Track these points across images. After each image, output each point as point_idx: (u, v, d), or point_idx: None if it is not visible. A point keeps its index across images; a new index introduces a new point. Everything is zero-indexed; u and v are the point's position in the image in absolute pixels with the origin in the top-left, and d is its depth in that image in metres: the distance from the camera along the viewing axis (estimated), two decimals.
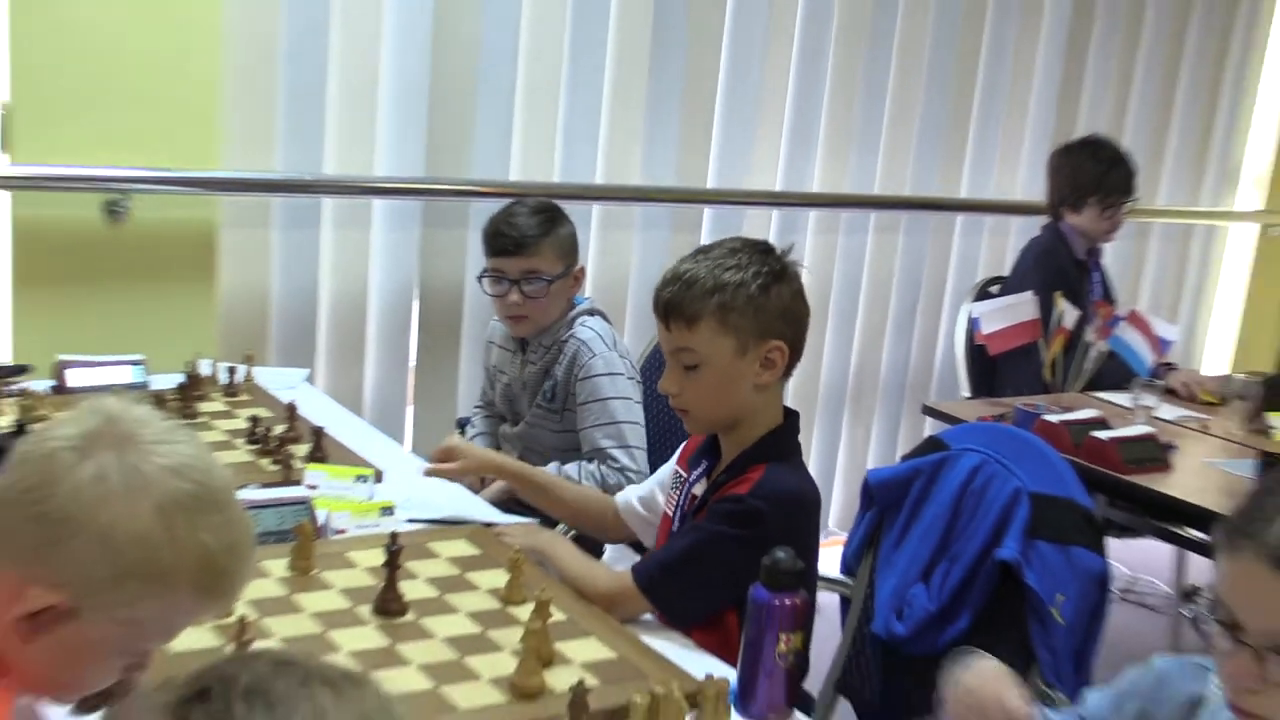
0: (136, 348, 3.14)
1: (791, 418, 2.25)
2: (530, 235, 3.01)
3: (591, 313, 3.12)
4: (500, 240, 3.03)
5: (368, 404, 3.84)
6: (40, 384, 2.93)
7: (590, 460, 2.96)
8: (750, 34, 4.27)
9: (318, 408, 3.05)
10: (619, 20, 4.02)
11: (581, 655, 1.93)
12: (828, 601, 2.85)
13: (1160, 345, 3.79)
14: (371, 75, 3.68)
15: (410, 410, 3.94)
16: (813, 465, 4.53)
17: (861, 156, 4.60)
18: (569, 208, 3.85)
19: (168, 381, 2.99)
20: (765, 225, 4.49)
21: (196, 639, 1.86)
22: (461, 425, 3.51)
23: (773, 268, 2.18)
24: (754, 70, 4.30)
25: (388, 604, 2.01)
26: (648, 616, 2.14)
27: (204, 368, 3.07)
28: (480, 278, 3.10)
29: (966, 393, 4.18)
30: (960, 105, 4.79)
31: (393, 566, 2.01)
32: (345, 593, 2.06)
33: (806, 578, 1.90)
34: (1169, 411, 3.73)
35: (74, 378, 2.94)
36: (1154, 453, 3.27)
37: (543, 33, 3.90)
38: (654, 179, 4.19)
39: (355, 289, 3.79)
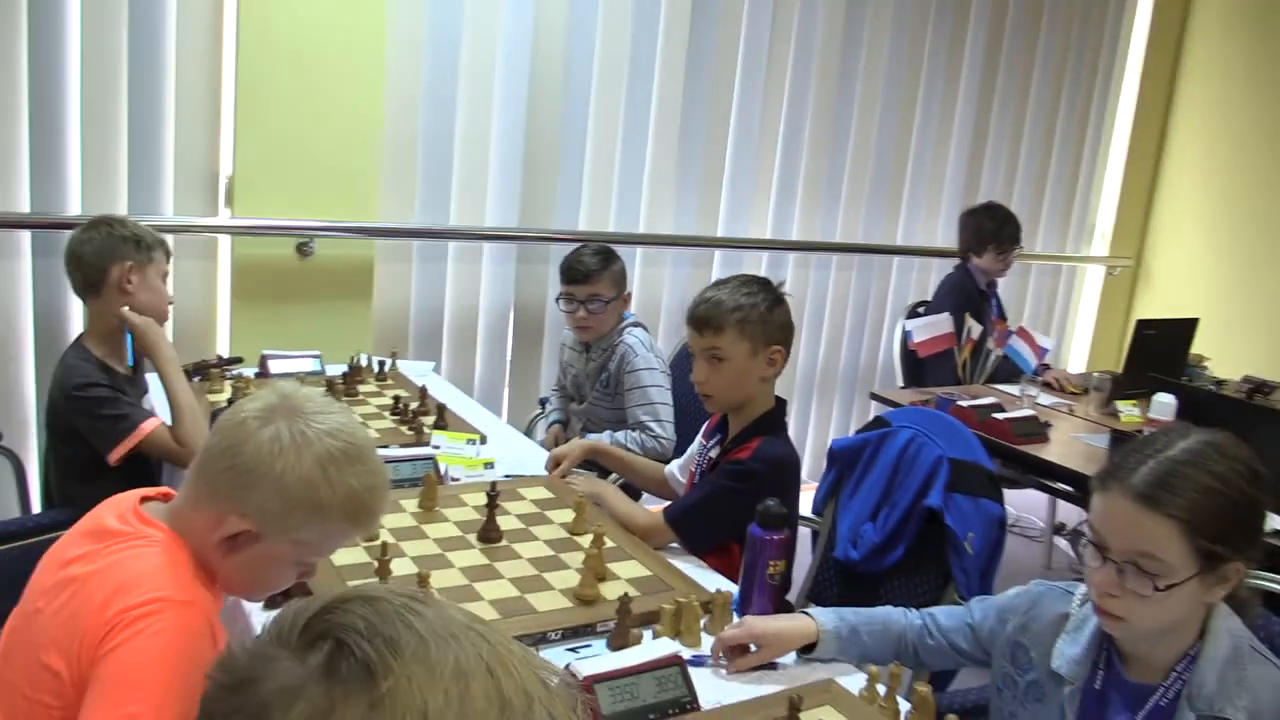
0: (316, 345, 3.10)
1: (781, 403, 2.17)
2: (593, 269, 2.94)
3: (636, 324, 3.05)
4: (572, 272, 2.96)
5: (476, 387, 3.78)
6: (249, 370, 2.90)
7: (633, 429, 2.89)
8: (750, 117, 4.18)
9: (442, 390, 3.00)
10: (658, 111, 3.94)
11: (626, 573, 1.87)
12: (803, 535, 2.78)
13: (1040, 351, 3.68)
14: (484, 152, 3.62)
15: (506, 391, 3.87)
16: (792, 433, 4.44)
17: (827, 213, 4.50)
18: (620, 249, 3.80)
19: (337, 370, 2.95)
20: (758, 263, 4.40)
21: (354, 556, 1.81)
22: (542, 402, 3.44)
23: (773, 295, 2.12)
24: (752, 145, 4.21)
25: (488, 533, 1.95)
26: (675, 546, 2.07)
27: (362, 360, 3.02)
28: (557, 299, 3.04)
29: (900, 383, 4.09)
30: (896, 177, 4.67)
31: (491, 506, 1.96)
32: (458, 524, 2.01)
33: (789, 521, 1.82)
34: (1046, 399, 3.62)
35: (273, 366, 2.90)
36: (1035, 429, 3.17)
37: (603, 121, 3.83)
38: (680, 228, 4.10)
39: (469, 305, 3.73)
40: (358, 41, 3.23)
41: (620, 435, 2.89)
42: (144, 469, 2.21)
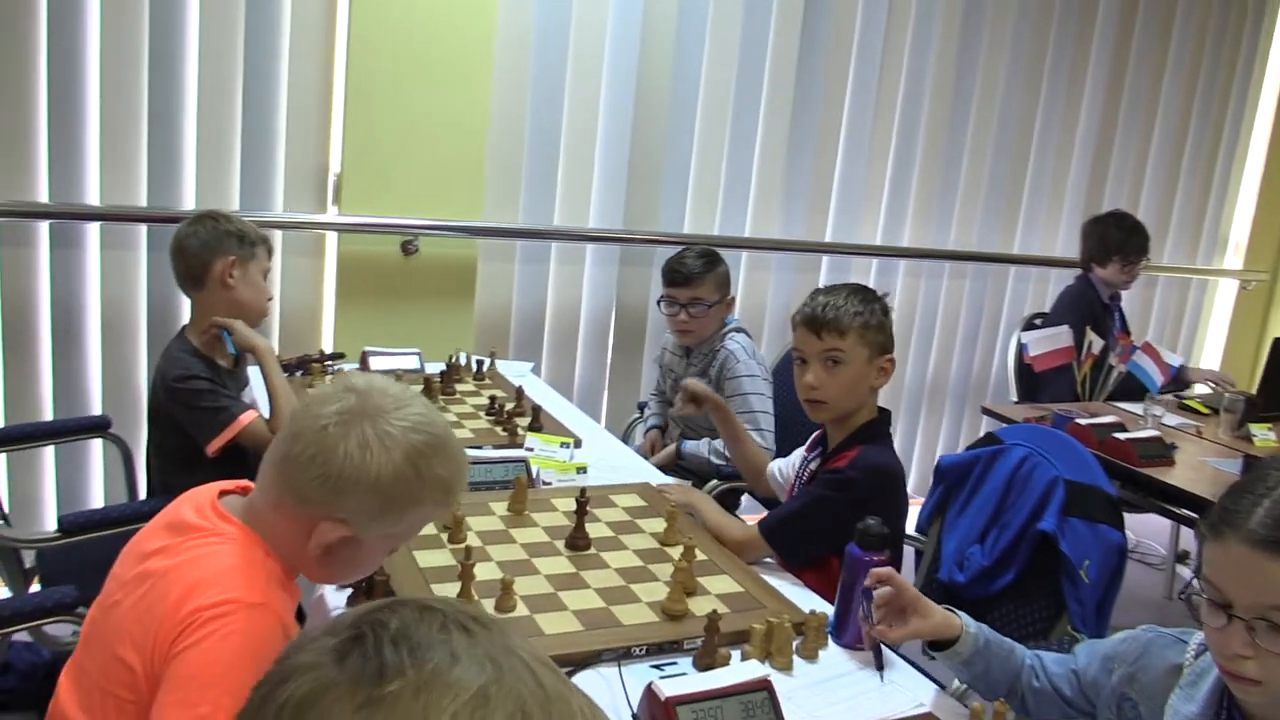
0: (418, 343, 3.10)
1: (885, 414, 2.06)
2: (695, 272, 2.88)
3: (738, 330, 2.97)
4: (674, 275, 2.90)
5: (576, 389, 3.75)
6: (350, 366, 2.91)
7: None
8: (863, 120, 4.05)
9: (539, 391, 2.96)
10: (766, 113, 3.85)
11: (716, 588, 1.79)
12: (907, 553, 2.65)
13: (1167, 369, 3.46)
14: (589, 153, 3.58)
15: (605, 395, 3.83)
16: (899, 447, 4.29)
17: (940, 219, 4.34)
18: (724, 253, 3.72)
19: (436, 368, 2.94)
20: (867, 270, 4.26)
21: (441, 558, 1.77)
22: (641, 407, 3.38)
23: (884, 305, 2.06)
24: (863, 148, 4.08)
25: (576, 540, 1.90)
26: (769, 561, 1.98)
27: (461, 359, 3.01)
28: (658, 301, 2.97)
29: (1014, 398, 3.90)
30: (1014, 183, 4.48)
31: (581, 512, 1.90)
32: (547, 529, 1.96)
33: (890, 538, 1.72)
34: (1172, 419, 3.41)
35: (374, 363, 2.90)
36: (1161, 451, 2.97)
37: (710, 123, 3.76)
38: (787, 233, 4.00)
39: (571, 307, 3.69)
40: (466, 42, 3.23)
41: (719, 443, 2.81)
42: (241, 460, 2.22)
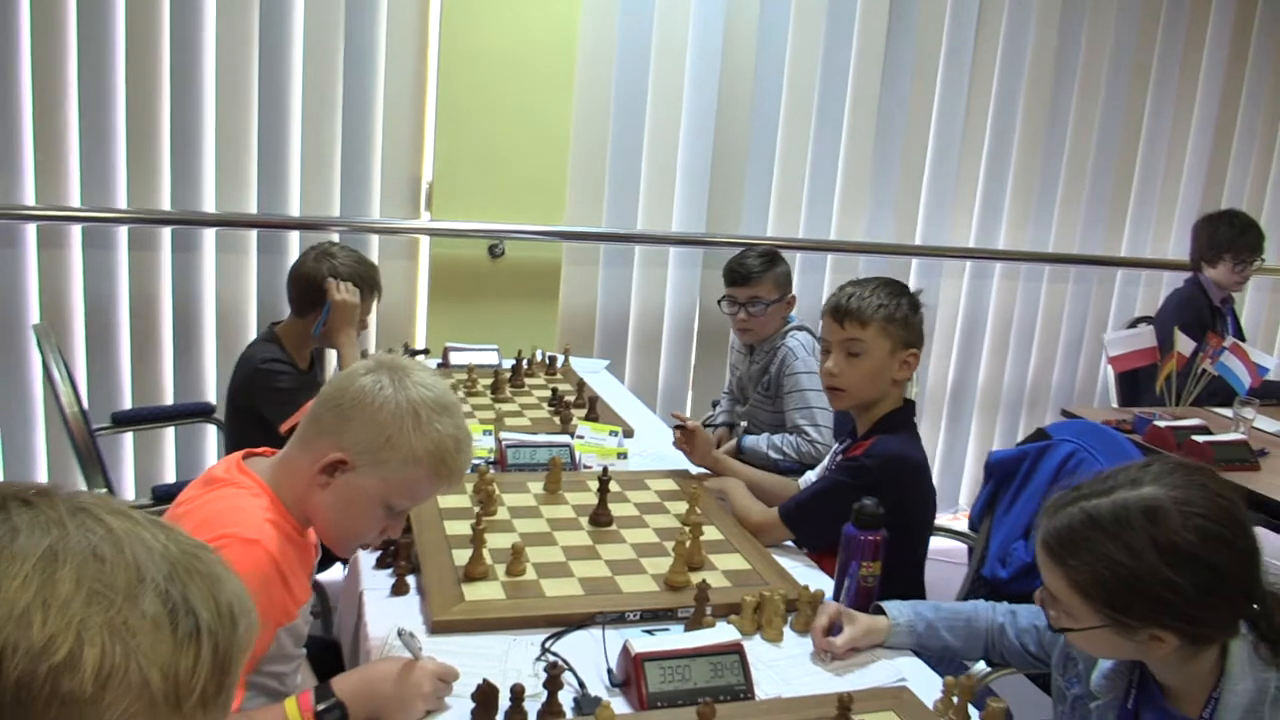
0: (504, 342, 3.26)
1: (908, 405, 2.10)
2: (754, 271, 2.94)
3: (800, 328, 3.02)
4: (733, 274, 2.98)
5: (660, 389, 3.86)
6: (433, 362, 3.11)
7: (790, 433, 2.86)
8: (953, 118, 4.03)
9: (606, 386, 3.09)
10: (851, 114, 3.88)
11: (725, 565, 1.87)
12: (959, 549, 2.65)
13: (1257, 370, 3.31)
14: (671, 157, 3.70)
15: (690, 395, 3.92)
16: (988, 449, 4.23)
17: (1039, 220, 4.25)
18: (810, 256, 3.76)
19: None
20: (960, 272, 4.22)
21: (466, 528, 1.90)
22: (715, 405, 3.47)
23: (913, 300, 2.09)
24: (954, 147, 4.05)
25: (598, 516, 2.01)
26: (791, 546, 2.05)
27: (538, 355, 3.17)
28: (719, 301, 3.06)
29: (1115, 404, 3.79)
30: (1121, 182, 4.35)
31: (603, 490, 2.01)
32: (576, 507, 2.08)
33: (891, 522, 1.76)
34: (1268, 425, 3.26)
35: (453, 357, 3.09)
36: (1245, 455, 2.86)
37: (794, 125, 3.82)
38: (873, 235, 4.01)
39: (654, 308, 3.81)
40: (550, 51, 3.40)
41: (778, 439, 2.87)
42: None
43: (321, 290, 2.54)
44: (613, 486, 2.20)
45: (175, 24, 3.11)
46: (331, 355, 2.89)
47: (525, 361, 3.07)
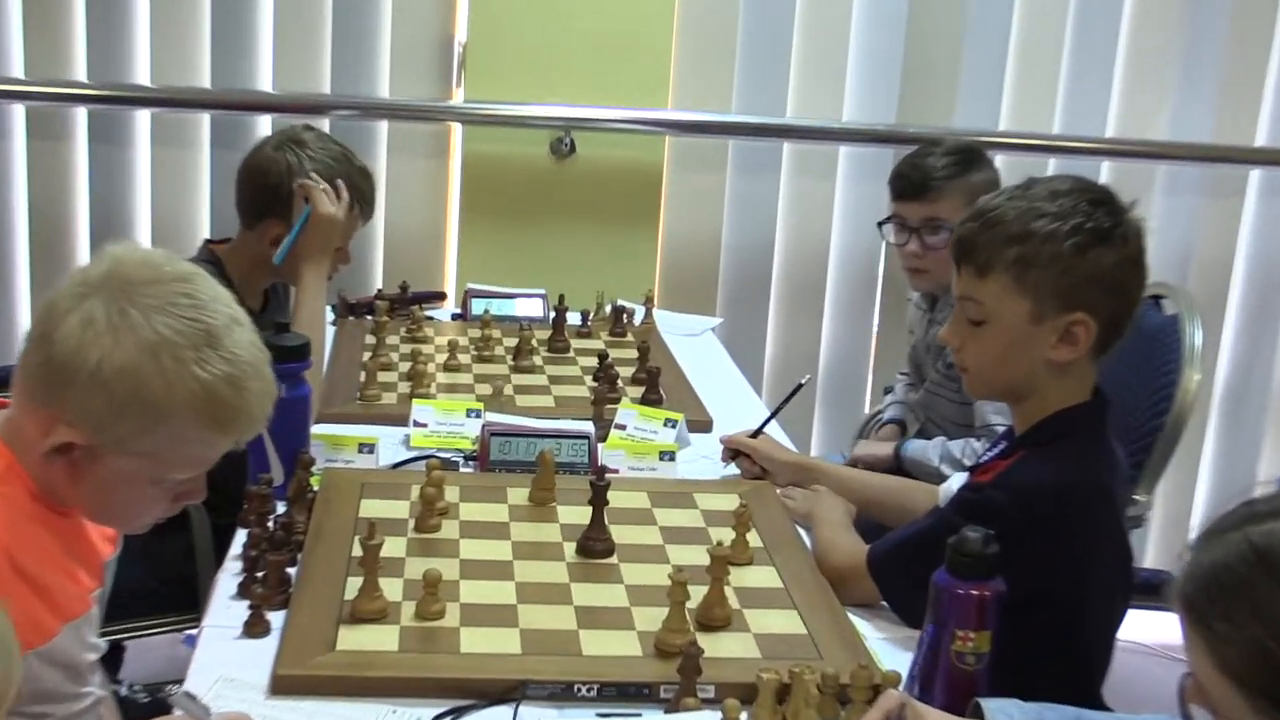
0: (572, 285, 3.24)
1: (1094, 404, 1.96)
2: (936, 178, 2.84)
3: None
4: (902, 182, 2.89)
5: (823, 363, 3.83)
6: (444, 313, 3.19)
7: (979, 437, 2.76)
8: None
9: (703, 356, 3.09)
10: None
11: (767, 625, 1.84)
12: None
13: None
14: (843, 15, 3.64)
15: (870, 373, 3.87)
16: None
17: None
18: (1081, 165, 3.60)
19: (576, 321, 3.10)
20: None
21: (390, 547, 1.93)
22: (887, 391, 3.39)
23: (1100, 224, 1.89)
24: None
25: (589, 543, 1.99)
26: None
27: (605, 306, 3.18)
28: (880, 223, 2.98)
29: None
30: None
31: (597, 502, 2.00)
32: (564, 527, 2.08)
33: (1018, 573, 1.67)
34: None
35: (476, 307, 3.14)
36: None
37: None
38: (1178, 134, 3.82)
39: (813, 241, 3.77)
40: None
41: (957, 445, 2.77)
42: None
43: (284, 194, 2.60)
44: (638, 500, 2.21)
45: None
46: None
47: (584, 316, 3.08)
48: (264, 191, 2.64)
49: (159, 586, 2.55)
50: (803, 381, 2.56)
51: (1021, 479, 1.88)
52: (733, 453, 2.41)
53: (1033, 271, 1.87)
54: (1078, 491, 1.89)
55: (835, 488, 2.29)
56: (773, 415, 2.49)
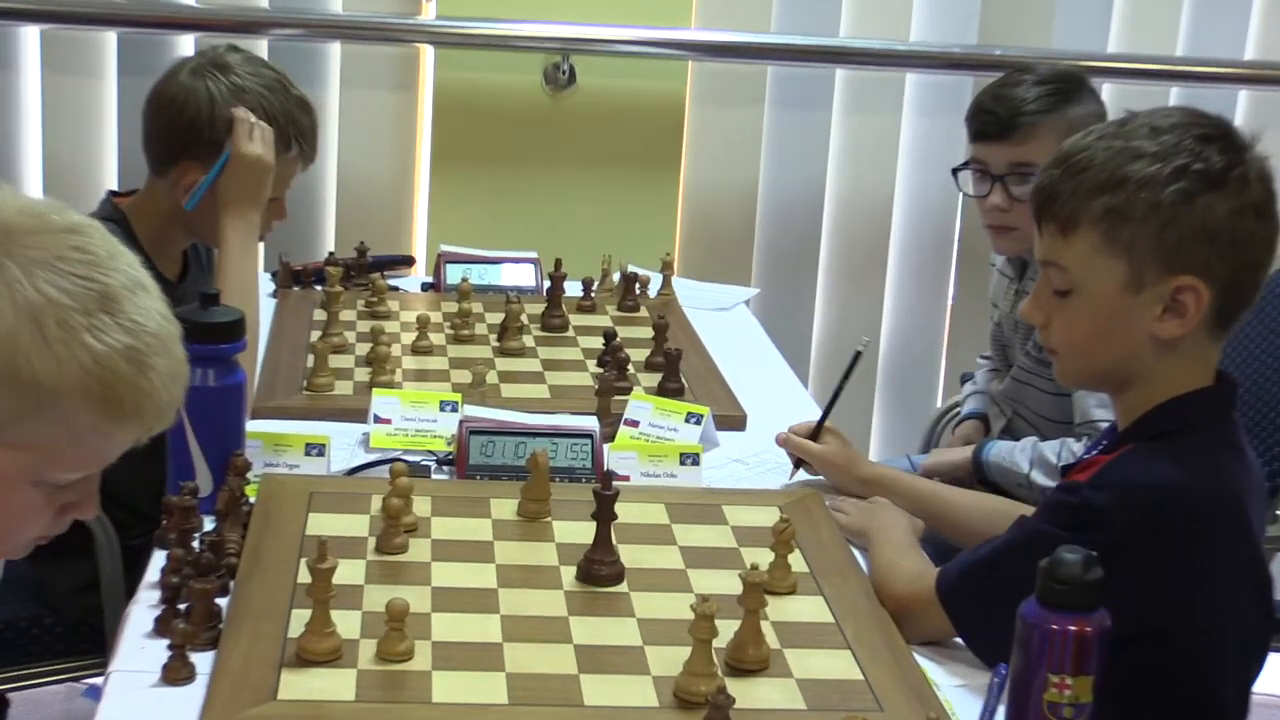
0: (570, 249, 3.27)
1: (1216, 388, 1.97)
2: (1025, 113, 2.85)
3: None
4: (983, 119, 2.91)
5: (885, 343, 3.86)
6: (410, 282, 3.21)
7: (1079, 437, 2.78)
8: None
9: (734, 335, 3.11)
10: None
11: (814, 669, 1.85)
12: None
13: None
14: None
15: (943, 357, 3.91)
16: None
17: None
18: (1199, 93, 3.60)
19: (575, 289, 3.13)
20: None
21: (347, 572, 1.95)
22: (965, 379, 3.41)
23: (1211, 165, 1.89)
24: None
25: (592, 567, 2.01)
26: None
27: (614, 273, 3.20)
28: (956, 171, 2.99)
29: None
30: None
31: (602, 520, 2.01)
32: (561, 547, 2.10)
33: (1122, 600, 1.69)
34: None
35: (452, 274, 3.15)
36: None
37: None
38: None
39: (874, 190, 3.80)
40: None
41: (1051, 447, 2.79)
42: None
43: (202, 130, 2.62)
44: (654, 513, 2.23)
45: None
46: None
47: (586, 286, 3.09)
48: (177, 128, 2.66)
49: (52, 624, 2.58)
50: (860, 348, 2.55)
51: (1130, 476, 1.88)
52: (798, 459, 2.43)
53: (1127, 226, 1.86)
54: (1202, 498, 1.90)
55: (913, 509, 2.30)
56: (833, 402, 2.49)
